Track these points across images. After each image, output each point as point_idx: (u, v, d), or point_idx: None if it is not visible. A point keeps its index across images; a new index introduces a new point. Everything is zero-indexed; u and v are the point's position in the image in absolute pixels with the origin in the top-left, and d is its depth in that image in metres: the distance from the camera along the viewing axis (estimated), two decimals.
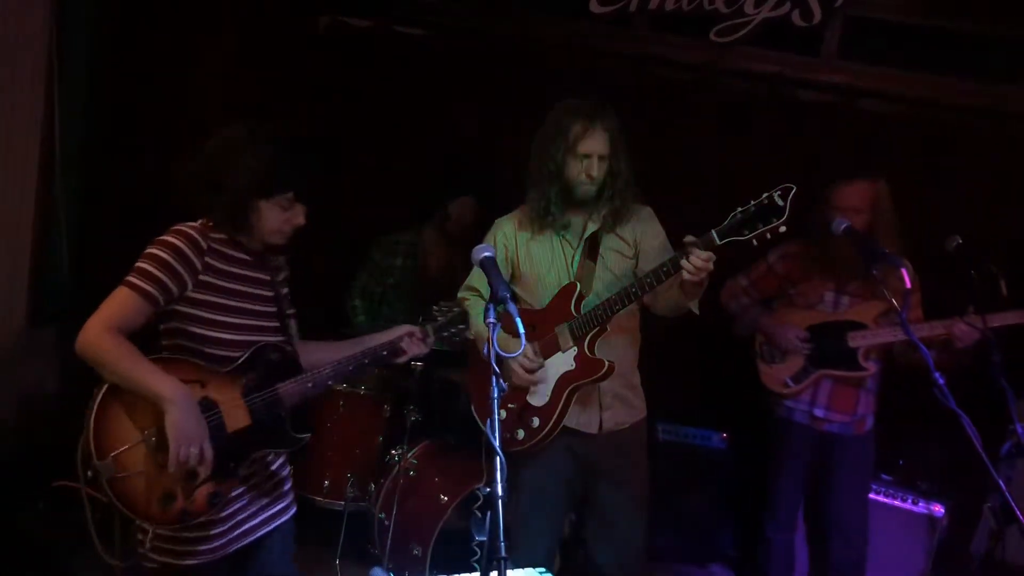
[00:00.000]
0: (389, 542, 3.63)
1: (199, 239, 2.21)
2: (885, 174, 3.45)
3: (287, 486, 2.53)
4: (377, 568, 3.52)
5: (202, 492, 2.20)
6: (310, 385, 2.38)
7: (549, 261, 3.04)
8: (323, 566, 3.82)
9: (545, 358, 2.96)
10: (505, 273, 3.11)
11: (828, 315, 3.55)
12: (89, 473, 2.12)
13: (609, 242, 3.02)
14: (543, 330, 2.98)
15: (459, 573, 2.47)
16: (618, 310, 2.84)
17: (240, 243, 2.32)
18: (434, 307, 2.71)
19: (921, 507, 4.01)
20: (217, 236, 2.27)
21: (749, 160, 4.39)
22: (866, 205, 3.39)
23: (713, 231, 2.59)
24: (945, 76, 4.17)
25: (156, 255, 2.17)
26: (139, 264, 2.17)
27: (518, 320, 2.27)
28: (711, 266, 2.58)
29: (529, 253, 3.06)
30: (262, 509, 2.43)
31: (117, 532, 2.21)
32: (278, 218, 2.28)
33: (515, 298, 3.08)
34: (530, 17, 4.38)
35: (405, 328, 2.57)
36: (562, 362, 2.94)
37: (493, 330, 2.17)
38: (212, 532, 2.28)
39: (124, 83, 3.99)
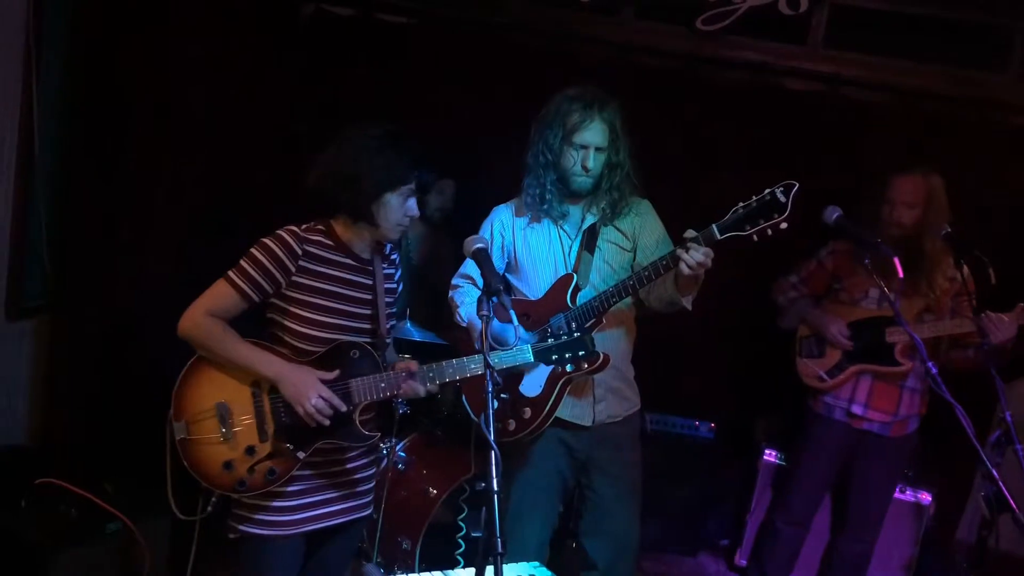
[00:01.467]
0: (378, 536, 3.60)
1: (294, 245, 2.40)
2: (940, 168, 3.43)
3: (366, 486, 2.69)
4: (370, 565, 3.49)
5: (262, 467, 2.40)
6: (383, 385, 2.48)
7: (546, 251, 3.01)
8: None
9: None
10: (501, 262, 3.09)
11: (872, 311, 3.53)
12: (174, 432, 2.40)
13: (607, 234, 3.00)
14: (537, 320, 2.95)
15: (447, 565, 2.47)
16: (615, 303, 2.82)
17: (346, 247, 2.49)
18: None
19: (909, 495, 4.04)
20: (316, 239, 2.45)
21: (734, 150, 4.39)
22: (920, 199, 3.37)
23: (714, 226, 2.59)
24: (931, 64, 4.17)
25: (255, 256, 2.39)
26: (241, 262, 2.40)
27: (512, 313, 2.26)
28: (709, 263, 2.57)
29: (526, 242, 3.04)
30: (338, 499, 2.57)
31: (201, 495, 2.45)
32: (400, 209, 2.45)
33: (509, 288, 3.06)
34: (514, 4, 4.33)
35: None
36: None
37: (487, 323, 2.15)
38: (273, 504, 2.45)
39: (105, 76, 3.91)
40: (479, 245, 2.34)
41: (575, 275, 2.94)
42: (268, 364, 2.40)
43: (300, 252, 2.40)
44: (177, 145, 4.02)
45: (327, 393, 2.39)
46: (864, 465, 3.61)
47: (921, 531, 4.03)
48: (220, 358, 2.41)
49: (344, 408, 2.42)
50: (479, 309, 2.18)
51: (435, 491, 3.59)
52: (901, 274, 2.66)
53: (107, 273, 3.94)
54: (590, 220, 3.00)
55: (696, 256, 2.55)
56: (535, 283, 3.03)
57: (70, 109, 3.82)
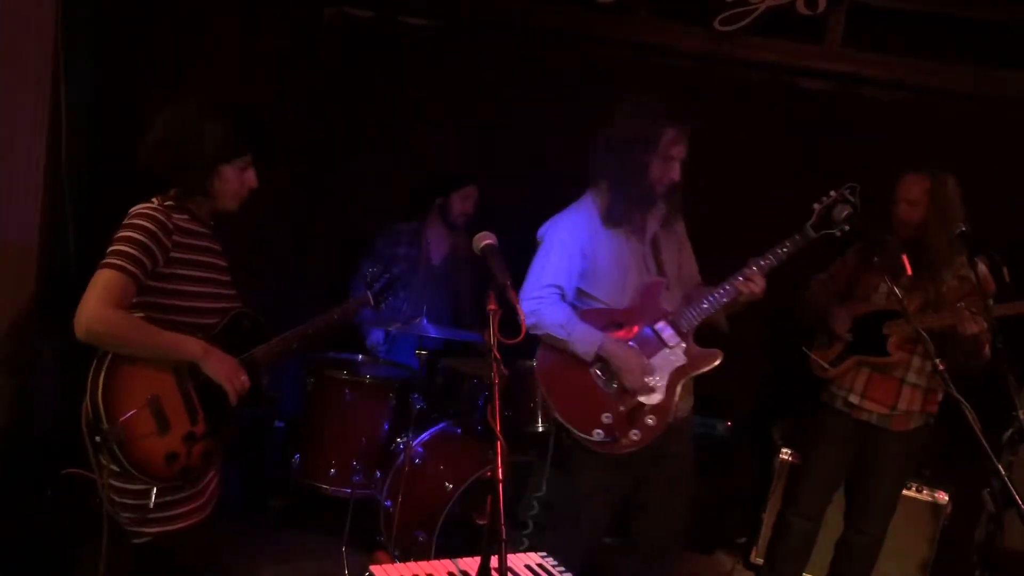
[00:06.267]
0: (395, 529, 3.66)
1: (166, 221, 2.34)
2: (952, 168, 3.45)
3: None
4: None
5: (197, 451, 2.40)
6: (278, 350, 2.63)
7: (626, 260, 3.04)
8: (329, 553, 3.85)
9: (648, 357, 2.98)
10: (580, 265, 3.06)
11: (879, 305, 3.58)
12: (97, 439, 2.25)
13: (667, 241, 3.11)
14: (631, 328, 3.00)
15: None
16: (726, 303, 2.95)
17: (199, 218, 2.46)
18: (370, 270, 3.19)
19: (925, 494, 4.03)
20: (179, 216, 2.39)
21: (751, 150, 4.40)
22: (921, 197, 3.39)
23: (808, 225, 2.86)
24: (948, 63, 4.17)
25: (132, 237, 2.28)
26: (117, 247, 2.27)
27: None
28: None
29: (606, 251, 3.05)
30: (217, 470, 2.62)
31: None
32: (237, 180, 2.45)
33: (586, 296, 3.07)
34: (533, 5, 4.37)
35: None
36: (673, 357, 2.99)
37: (495, 318, 2.17)
38: (180, 496, 2.42)
39: (131, 65, 3.99)
40: (488, 242, 2.36)
41: (665, 280, 3.03)
42: (192, 344, 2.36)
43: (171, 227, 2.34)
44: None
45: (246, 374, 2.48)
46: (869, 458, 3.62)
47: (938, 531, 4.01)
48: (141, 349, 2.30)
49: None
50: (489, 304, 2.21)
51: (451, 485, 3.64)
52: (909, 271, 2.67)
53: None
54: (652, 228, 3.09)
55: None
56: (616, 292, 3.04)
57: (97, 97, 3.89)
